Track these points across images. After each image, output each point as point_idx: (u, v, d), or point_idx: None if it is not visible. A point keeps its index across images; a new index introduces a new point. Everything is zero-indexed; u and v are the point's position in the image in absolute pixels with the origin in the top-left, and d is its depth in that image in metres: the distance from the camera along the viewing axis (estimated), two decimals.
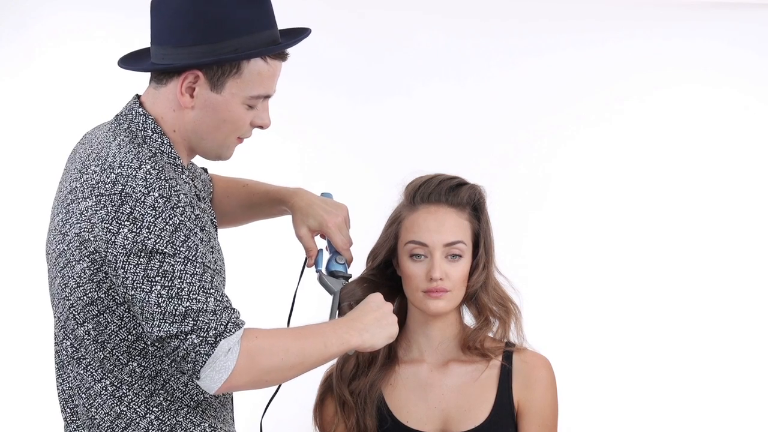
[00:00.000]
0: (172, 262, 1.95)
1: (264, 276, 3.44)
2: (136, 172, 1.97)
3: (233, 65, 2.05)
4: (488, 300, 2.40)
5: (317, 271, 2.34)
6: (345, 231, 2.35)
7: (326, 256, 2.36)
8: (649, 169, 3.78)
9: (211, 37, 2.03)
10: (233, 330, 1.96)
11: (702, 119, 3.79)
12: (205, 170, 2.44)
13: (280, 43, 2.10)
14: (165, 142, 2.08)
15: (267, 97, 2.11)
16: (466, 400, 2.39)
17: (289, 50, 2.12)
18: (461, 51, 3.77)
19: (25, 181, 3.60)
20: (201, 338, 1.94)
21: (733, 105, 3.79)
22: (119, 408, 2.05)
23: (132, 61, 2.18)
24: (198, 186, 2.23)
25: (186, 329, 1.94)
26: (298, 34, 2.15)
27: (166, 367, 2.05)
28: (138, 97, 2.13)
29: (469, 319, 2.46)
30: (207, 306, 1.95)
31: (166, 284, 1.94)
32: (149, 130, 2.08)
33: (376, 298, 2.19)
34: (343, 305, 2.32)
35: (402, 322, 2.41)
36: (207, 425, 2.10)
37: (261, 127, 2.14)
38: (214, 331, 1.94)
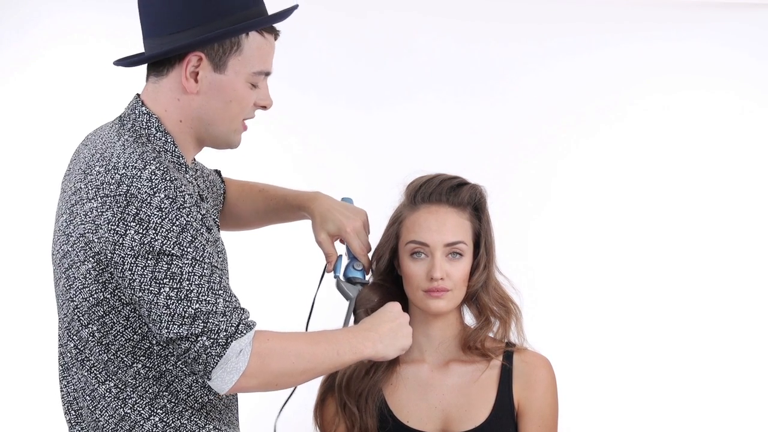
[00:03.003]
0: (180, 264, 1.94)
1: (279, 279, 3.44)
2: (141, 173, 1.96)
3: (233, 42, 2.05)
4: (489, 300, 2.41)
5: (335, 277, 2.33)
6: (363, 236, 2.34)
7: (345, 261, 2.35)
8: (650, 172, 3.79)
9: (207, 16, 2.03)
10: (244, 331, 1.95)
11: (705, 123, 3.79)
12: (218, 172, 2.43)
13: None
14: (169, 140, 2.07)
15: (267, 74, 2.11)
16: (466, 400, 2.39)
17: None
18: (463, 55, 3.77)
19: (25, 183, 3.59)
20: (212, 340, 1.93)
21: (735, 108, 3.79)
22: (123, 410, 2.04)
23: (128, 61, 2.17)
24: (201, 185, 2.22)
25: (196, 331, 1.93)
26: (286, 10, 2.15)
27: (171, 368, 2.04)
28: (138, 96, 2.12)
29: (469, 319, 2.46)
30: (216, 307, 1.94)
31: (174, 286, 1.93)
32: (153, 129, 2.07)
33: (394, 307, 2.19)
34: (359, 311, 2.31)
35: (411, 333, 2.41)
36: (212, 427, 2.09)
37: (264, 107, 2.13)
38: (224, 333, 1.94)
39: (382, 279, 2.41)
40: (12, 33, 3.61)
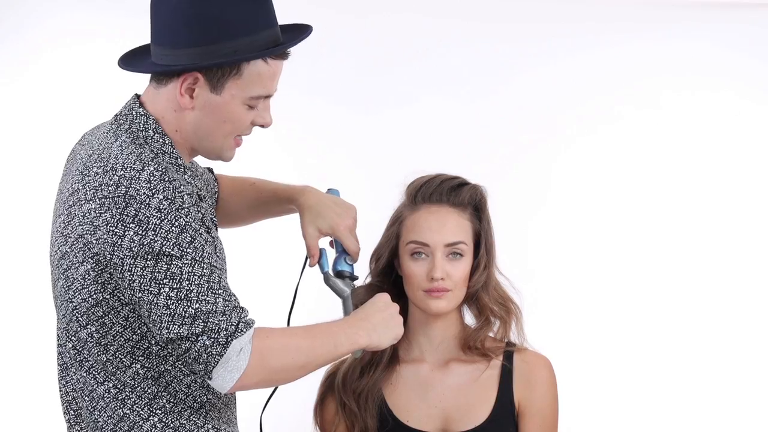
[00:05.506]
0: (180, 264, 1.94)
1: (266, 273, 3.43)
2: (140, 174, 1.96)
3: (233, 67, 2.03)
4: (489, 300, 2.41)
5: (323, 272, 2.31)
6: (355, 233, 2.34)
7: (330, 256, 2.33)
8: (650, 172, 3.78)
9: (209, 38, 2.01)
10: (244, 330, 1.95)
11: (704, 123, 3.78)
12: (211, 170, 2.43)
13: (280, 42, 2.08)
14: (167, 142, 2.07)
15: (268, 96, 2.10)
16: (466, 399, 2.39)
17: (291, 55, 2.10)
18: (463, 55, 3.76)
19: (25, 183, 3.58)
20: (212, 339, 1.93)
21: (735, 108, 3.79)
22: (122, 411, 2.04)
23: (132, 60, 2.16)
24: (199, 185, 2.22)
25: (197, 331, 1.93)
26: (300, 31, 2.13)
27: (170, 368, 2.04)
28: (137, 96, 2.11)
29: (469, 318, 2.46)
30: (216, 307, 1.94)
31: (174, 286, 1.93)
32: (150, 131, 2.06)
33: (384, 298, 2.19)
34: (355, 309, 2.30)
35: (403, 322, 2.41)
36: (211, 426, 2.09)
37: (262, 126, 2.12)
38: (225, 332, 1.94)
39: (380, 280, 2.41)
40: (12, 33, 3.60)
